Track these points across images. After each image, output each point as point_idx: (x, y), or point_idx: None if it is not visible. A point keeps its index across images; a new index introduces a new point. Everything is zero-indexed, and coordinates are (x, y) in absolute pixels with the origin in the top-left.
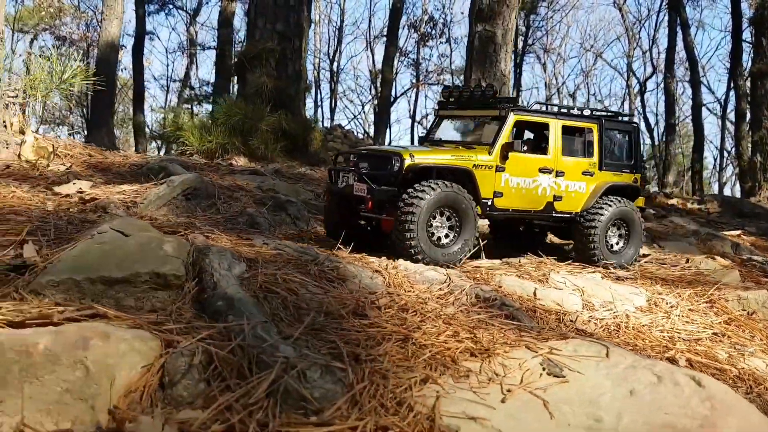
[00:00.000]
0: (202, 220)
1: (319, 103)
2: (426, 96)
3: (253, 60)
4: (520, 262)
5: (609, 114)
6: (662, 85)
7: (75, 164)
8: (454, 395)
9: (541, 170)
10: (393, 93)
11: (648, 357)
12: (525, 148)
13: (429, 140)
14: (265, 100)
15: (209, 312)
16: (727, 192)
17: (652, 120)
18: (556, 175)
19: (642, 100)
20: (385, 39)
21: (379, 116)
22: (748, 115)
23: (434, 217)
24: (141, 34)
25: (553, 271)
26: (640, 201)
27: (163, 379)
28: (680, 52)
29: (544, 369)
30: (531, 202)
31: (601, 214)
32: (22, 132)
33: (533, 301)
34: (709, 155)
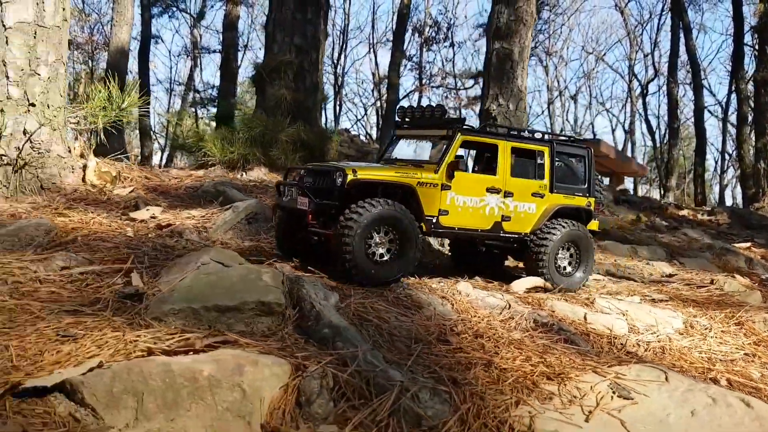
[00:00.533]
0: (266, 243)
1: (323, 107)
2: (429, 99)
3: (272, 73)
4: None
5: (562, 137)
6: (664, 89)
7: (137, 188)
8: (544, 415)
9: (488, 190)
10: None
11: (697, 379)
12: (475, 168)
13: (384, 159)
14: (284, 111)
15: (316, 338)
16: (728, 195)
17: (653, 123)
18: (505, 196)
19: (644, 103)
20: (387, 43)
21: (385, 120)
22: (750, 119)
23: (372, 235)
24: (147, 37)
25: (599, 295)
26: (594, 225)
27: (299, 399)
28: (682, 56)
29: (614, 392)
30: (478, 221)
31: (552, 235)
32: (83, 156)
33: (585, 325)
34: (710, 158)
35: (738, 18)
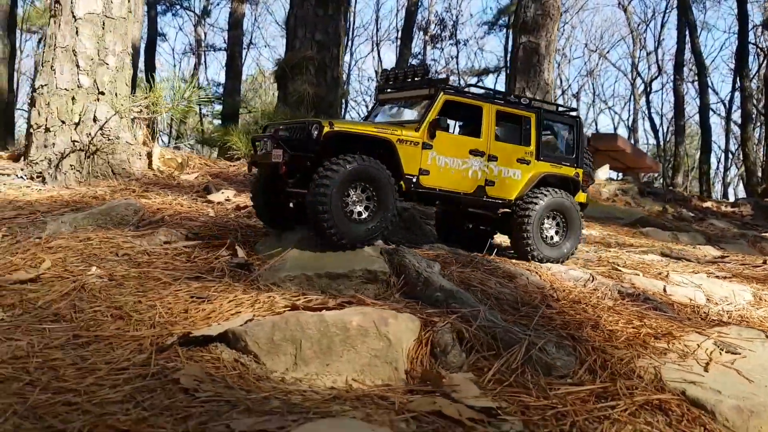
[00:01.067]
0: None
1: (344, 102)
2: None
3: (294, 69)
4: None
5: (549, 105)
6: (668, 86)
7: (200, 174)
8: (666, 366)
9: (471, 152)
10: None
11: None
12: (460, 132)
13: (368, 122)
14: (306, 107)
15: (428, 301)
16: (730, 193)
17: (657, 120)
18: (489, 159)
19: (647, 101)
20: (390, 41)
21: None
22: (754, 116)
23: (349, 193)
24: (153, 35)
25: (673, 271)
26: (582, 197)
27: (434, 350)
28: (686, 54)
29: (721, 348)
30: (460, 184)
31: (536, 203)
32: (145, 144)
33: (666, 296)
34: (712, 156)
35: (742, 16)
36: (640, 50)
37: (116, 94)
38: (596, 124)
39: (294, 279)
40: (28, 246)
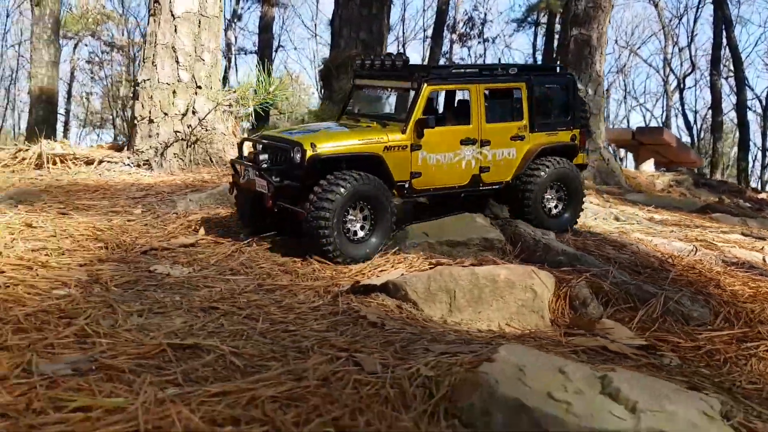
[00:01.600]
0: None
1: None
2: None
3: (339, 67)
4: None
5: (540, 69)
6: (701, 83)
7: None
8: None
9: (463, 142)
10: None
11: None
12: (445, 116)
13: (346, 113)
14: None
15: (552, 265)
16: None
17: (690, 117)
18: (481, 145)
19: (681, 98)
20: (417, 41)
21: None
22: None
23: (347, 212)
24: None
25: (766, 244)
26: (580, 158)
27: (573, 303)
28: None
29: None
30: (454, 178)
31: (537, 177)
32: (234, 134)
33: (767, 266)
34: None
35: None
36: (673, 46)
37: (211, 88)
38: (628, 122)
39: (418, 246)
40: (170, 219)
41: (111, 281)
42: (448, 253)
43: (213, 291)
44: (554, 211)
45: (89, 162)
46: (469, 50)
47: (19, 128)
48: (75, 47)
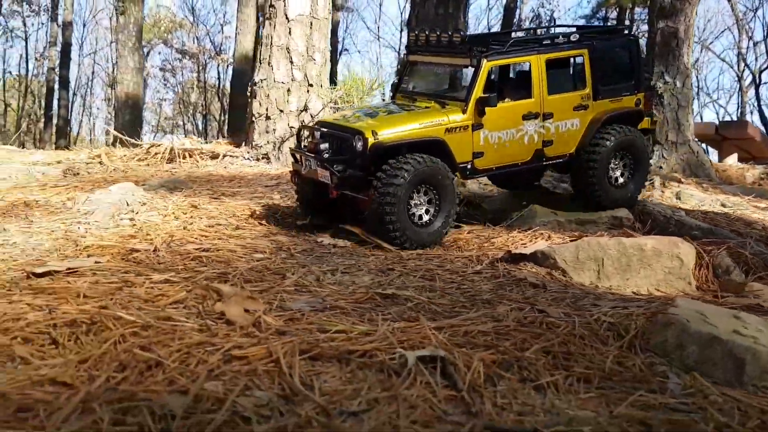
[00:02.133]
0: None
1: None
2: None
3: None
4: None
5: (601, 32)
6: None
7: None
8: None
9: (525, 117)
10: None
11: None
12: (505, 92)
13: (401, 91)
14: None
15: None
16: None
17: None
18: (544, 119)
19: (757, 94)
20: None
21: None
22: None
23: (412, 197)
24: (256, 44)
25: None
26: (645, 122)
27: (715, 271)
28: None
29: None
30: (516, 155)
31: (602, 147)
32: None
33: None
34: None
35: None
36: (748, 40)
37: (321, 86)
38: (701, 118)
39: (548, 224)
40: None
41: (292, 249)
42: (574, 231)
43: (379, 258)
44: (620, 181)
45: (214, 156)
46: None
47: (94, 133)
48: (147, 55)
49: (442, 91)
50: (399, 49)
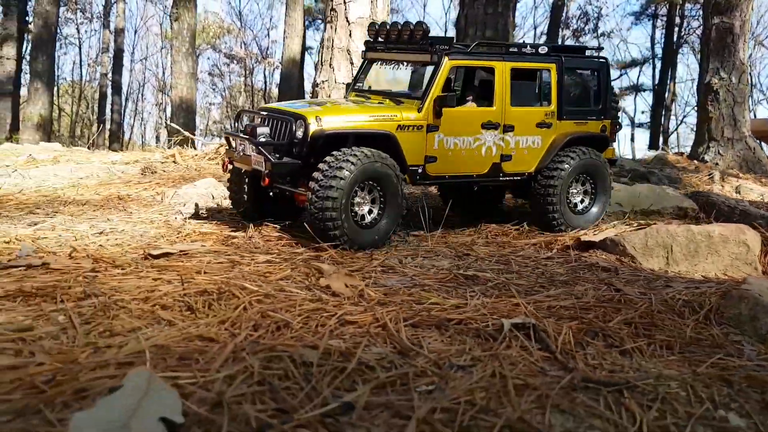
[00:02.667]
0: None
1: None
2: None
3: None
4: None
5: (570, 50)
6: None
7: None
8: None
9: (484, 126)
10: None
11: None
12: (466, 98)
13: (356, 89)
14: None
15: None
16: None
17: None
18: (504, 131)
19: None
20: (527, 37)
21: None
22: None
23: (356, 194)
24: (303, 48)
25: None
26: (610, 152)
27: None
28: None
29: None
30: (472, 165)
31: (561, 170)
32: None
33: None
34: None
35: None
36: None
37: None
38: (755, 115)
39: (612, 215)
40: None
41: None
42: (640, 220)
43: (452, 245)
44: (580, 207)
45: None
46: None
47: (145, 137)
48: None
49: (401, 92)
50: None
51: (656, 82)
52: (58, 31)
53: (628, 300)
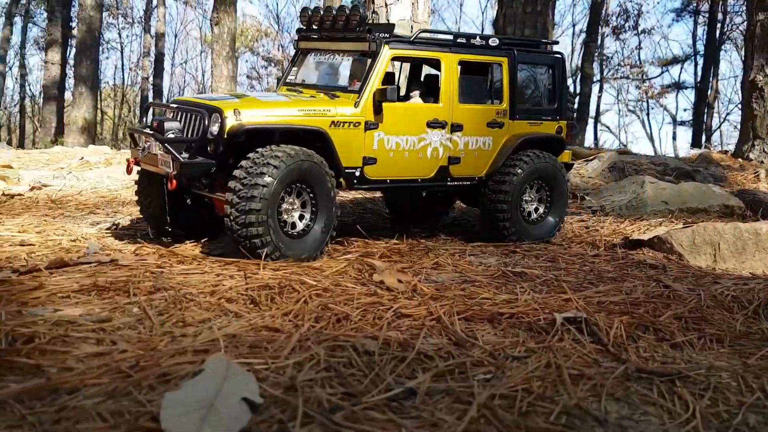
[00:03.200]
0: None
1: None
2: (617, 90)
3: None
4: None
5: (524, 43)
6: None
7: None
8: None
9: (430, 124)
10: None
11: None
12: (415, 95)
13: (287, 84)
14: None
15: None
16: None
17: None
18: (452, 130)
19: None
20: (565, 35)
21: (580, 113)
22: None
23: (283, 199)
24: None
25: None
26: (566, 155)
27: None
28: None
29: None
30: (417, 169)
31: (513, 175)
32: None
33: None
34: None
35: None
36: None
37: None
38: None
39: (658, 213)
40: None
41: (418, 235)
42: (684, 219)
43: (499, 246)
44: (534, 216)
45: None
46: (623, 43)
47: None
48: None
49: (337, 86)
50: None
51: (698, 79)
52: (101, 35)
53: (677, 295)
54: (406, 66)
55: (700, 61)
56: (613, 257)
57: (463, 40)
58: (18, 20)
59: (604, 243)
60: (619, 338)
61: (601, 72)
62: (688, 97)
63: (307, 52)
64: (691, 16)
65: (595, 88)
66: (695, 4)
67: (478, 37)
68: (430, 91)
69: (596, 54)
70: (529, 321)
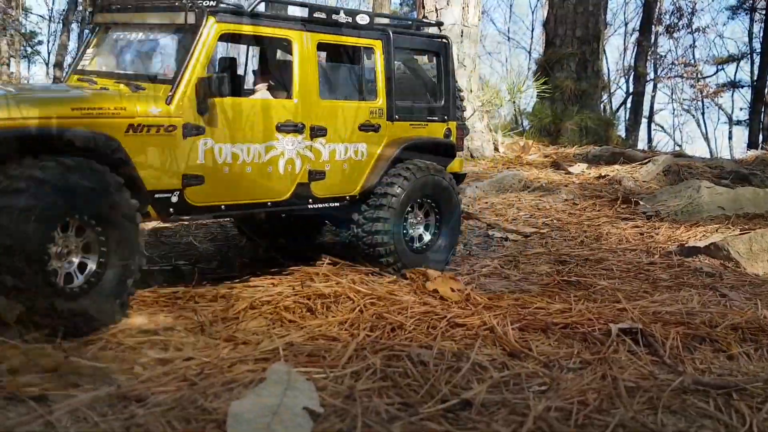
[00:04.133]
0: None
1: (603, 94)
2: (671, 89)
3: (554, 65)
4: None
5: (401, 24)
6: None
7: (538, 155)
8: None
9: (281, 128)
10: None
11: None
12: (261, 88)
13: (78, 71)
14: (567, 100)
15: None
16: None
17: None
18: (312, 136)
19: None
20: (617, 35)
21: (633, 113)
22: None
23: (52, 239)
24: None
25: None
26: (456, 164)
27: None
28: None
29: None
30: (265, 189)
31: (392, 195)
32: (489, 131)
33: None
34: None
35: None
36: None
37: (471, 90)
38: None
39: (715, 218)
40: (468, 202)
41: (469, 243)
42: (740, 224)
43: (550, 249)
44: (419, 244)
45: None
46: (677, 41)
47: None
48: None
49: (139, 73)
50: (530, 49)
51: (755, 78)
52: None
53: (733, 305)
54: (258, 51)
55: (757, 60)
56: (669, 265)
57: (323, 15)
58: (75, 27)
59: (660, 250)
60: (675, 349)
61: (655, 71)
62: (744, 96)
63: (107, 29)
64: (746, 14)
65: (649, 87)
66: (751, 2)
67: (342, 12)
68: (284, 81)
69: (649, 53)
70: (583, 331)
